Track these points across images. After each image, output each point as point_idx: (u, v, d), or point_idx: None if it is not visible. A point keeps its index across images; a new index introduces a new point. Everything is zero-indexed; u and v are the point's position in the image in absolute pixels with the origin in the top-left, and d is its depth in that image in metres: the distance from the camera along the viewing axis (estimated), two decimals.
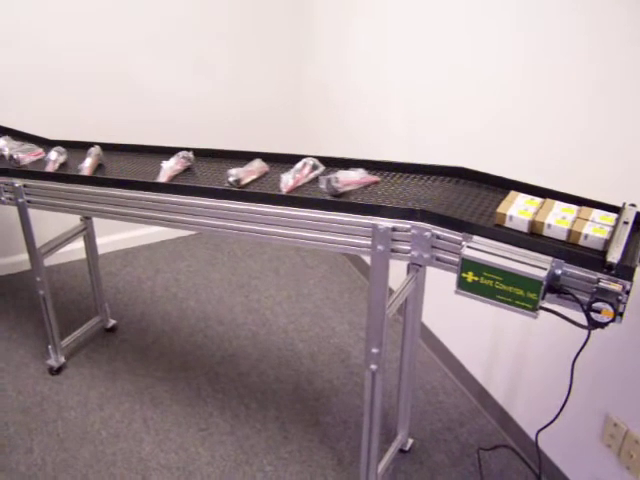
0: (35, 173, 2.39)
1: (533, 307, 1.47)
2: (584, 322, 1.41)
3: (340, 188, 1.85)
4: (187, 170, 2.24)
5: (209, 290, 3.49)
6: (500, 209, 1.59)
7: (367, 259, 2.17)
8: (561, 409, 1.70)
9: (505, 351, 2.51)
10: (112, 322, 3.16)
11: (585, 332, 1.45)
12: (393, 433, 2.49)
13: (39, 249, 2.59)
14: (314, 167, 2.00)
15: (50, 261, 2.68)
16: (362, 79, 3.23)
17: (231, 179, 1.99)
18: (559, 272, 1.46)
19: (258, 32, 3.70)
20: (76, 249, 3.12)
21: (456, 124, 2.55)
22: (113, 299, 3.38)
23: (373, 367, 1.89)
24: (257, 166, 2.08)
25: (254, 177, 2.05)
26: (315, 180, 1.98)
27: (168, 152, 2.36)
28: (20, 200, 2.43)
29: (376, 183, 1.93)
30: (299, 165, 2.00)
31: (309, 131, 3.93)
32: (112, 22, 3.33)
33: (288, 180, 1.94)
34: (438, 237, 1.64)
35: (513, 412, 2.52)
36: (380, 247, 1.71)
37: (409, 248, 1.70)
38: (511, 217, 1.57)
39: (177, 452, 2.48)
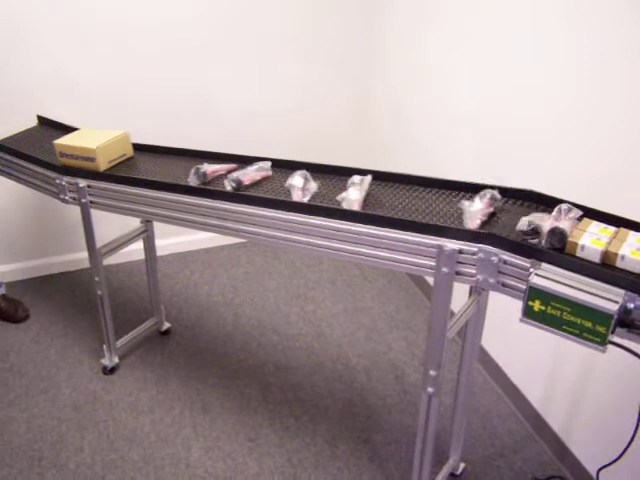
0: (103, 175, 2.39)
1: (602, 341, 1.42)
2: None
3: None
4: (493, 215, 1.81)
5: (265, 298, 3.48)
6: (572, 237, 1.54)
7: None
8: (625, 448, 1.63)
9: (565, 379, 2.43)
10: (167, 325, 3.17)
11: None
12: (445, 456, 2.44)
13: (99, 249, 2.60)
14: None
15: (108, 261, 2.69)
16: (431, 94, 3.18)
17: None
18: (632, 306, 1.41)
19: (328, 47, 3.70)
20: (134, 250, 3.13)
21: (526, 144, 2.49)
22: (169, 302, 3.39)
23: (430, 390, 1.85)
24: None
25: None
26: None
27: (435, 185, 2.05)
28: (83, 200, 2.44)
29: None
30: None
31: (377, 145, 3.89)
32: (197, 59, 3.50)
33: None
34: (505, 262, 1.59)
35: (571, 443, 2.44)
36: (445, 269, 1.67)
37: (474, 272, 1.65)
38: (583, 246, 1.51)
39: (225, 461, 2.47)
